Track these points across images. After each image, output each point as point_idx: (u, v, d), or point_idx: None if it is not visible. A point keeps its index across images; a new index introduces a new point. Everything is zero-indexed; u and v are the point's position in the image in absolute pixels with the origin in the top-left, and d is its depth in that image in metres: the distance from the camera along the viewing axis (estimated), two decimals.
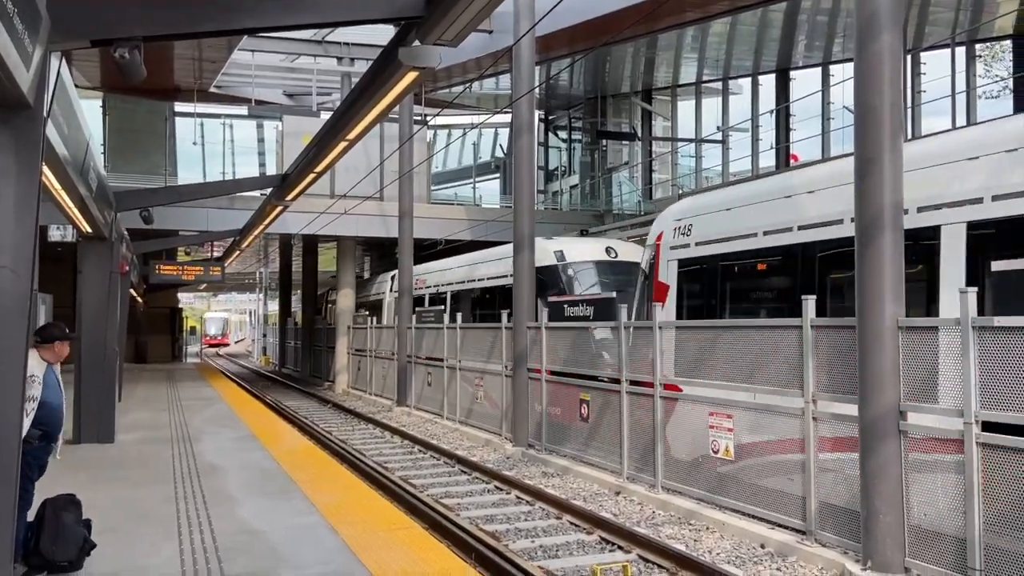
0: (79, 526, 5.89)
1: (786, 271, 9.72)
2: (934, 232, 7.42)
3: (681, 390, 9.73)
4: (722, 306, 10.36)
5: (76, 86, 9.94)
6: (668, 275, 11.70)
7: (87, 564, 5.84)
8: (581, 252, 17.26)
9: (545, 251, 16.84)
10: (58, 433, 6.13)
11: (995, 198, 6.88)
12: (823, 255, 8.91)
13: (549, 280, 16.61)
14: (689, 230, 11.51)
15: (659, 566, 7.47)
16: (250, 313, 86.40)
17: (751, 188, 11.49)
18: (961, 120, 21.02)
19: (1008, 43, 22.06)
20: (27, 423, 5.68)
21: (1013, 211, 6.67)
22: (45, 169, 7.67)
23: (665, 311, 10.75)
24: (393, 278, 25.33)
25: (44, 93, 4.99)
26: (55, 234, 22.93)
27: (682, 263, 11.47)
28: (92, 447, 11.38)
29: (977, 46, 22.07)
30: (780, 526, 8.04)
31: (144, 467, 9.97)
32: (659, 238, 12.01)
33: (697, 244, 11.16)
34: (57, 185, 8.39)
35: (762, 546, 7.91)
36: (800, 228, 9.27)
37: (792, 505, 7.94)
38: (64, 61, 6.67)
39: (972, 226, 7.08)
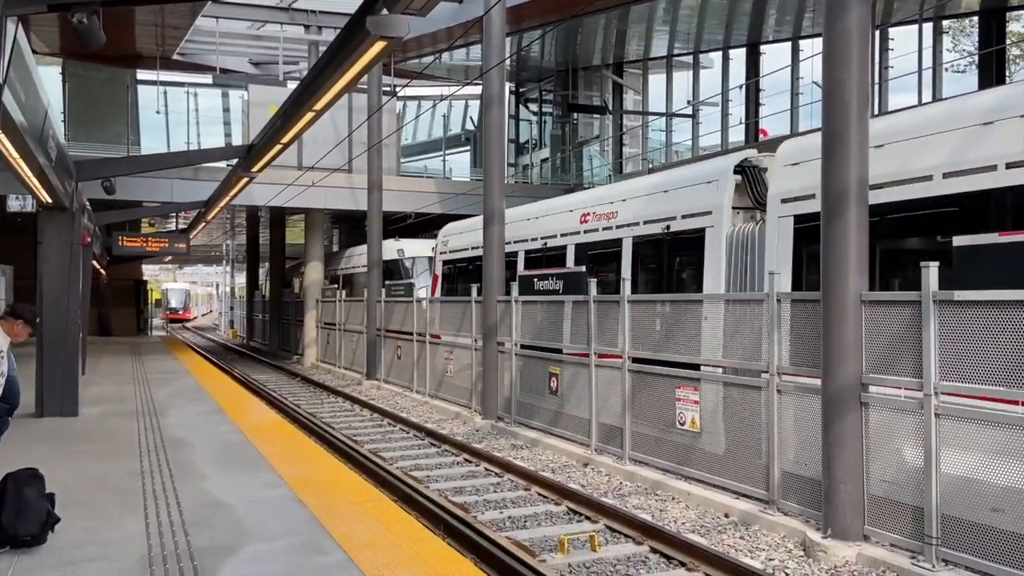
0: (42, 500, 5.81)
1: (479, 271, 15.20)
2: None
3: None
4: (455, 290, 16.04)
5: (34, 52, 9.68)
6: (439, 270, 19.82)
7: (51, 538, 5.78)
8: (415, 250, 23.99)
9: (390, 248, 23.88)
10: (17, 407, 6.06)
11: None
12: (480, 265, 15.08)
13: (393, 269, 23.79)
14: (447, 243, 19.28)
15: (625, 535, 7.57)
16: (216, 285, 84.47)
17: (468, 222, 18.48)
18: (927, 96, 21.25)
19: (975, 19, 22.29)
20: None
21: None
22: (2, 137, 7.48)
23: (436, 293, 18.83)
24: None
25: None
26: (14, 204, 22.41)
27: (444, 263, 19.38)
28: (55, 421, 11.22)
29: (944, 22, 22.27)
30: (744, 496, 8.19)
31: (109, 441, 9.86)
32: (435, 247, 19.98)
33: (451, 252, 18.14)
34: (15, 154, 8.19)
35: (726, 515, 8.06)
36: (474, 248, 17.04)
37: (756, 475, 8.08)
38: (20, 26, 6.48)
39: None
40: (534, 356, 12.61)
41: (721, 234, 10.67)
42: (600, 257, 13.23)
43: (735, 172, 10.92)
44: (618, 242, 12.75)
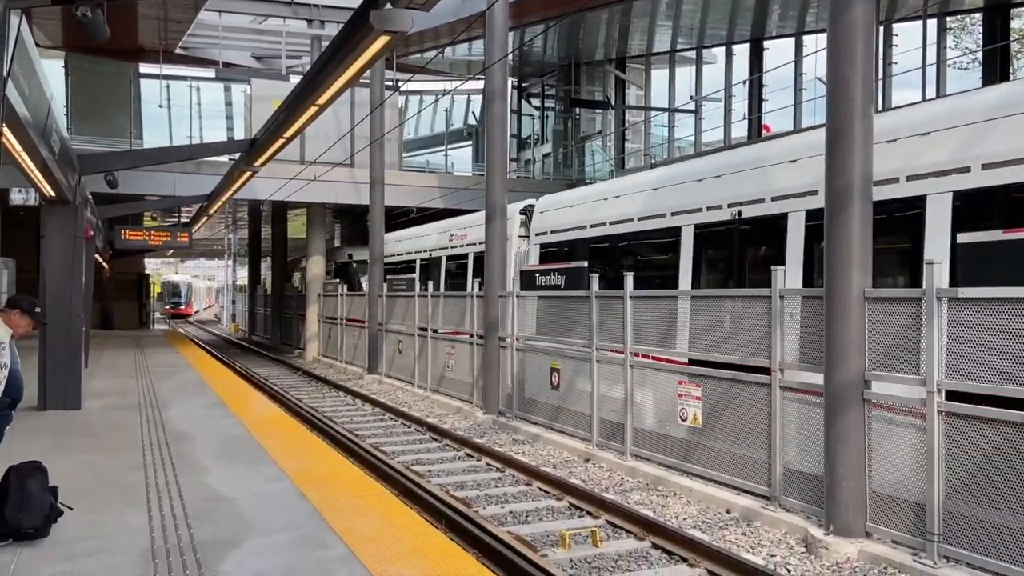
0: (45, 493, 5.82)
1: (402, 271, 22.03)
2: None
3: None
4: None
5: (37, 45, 9.67)
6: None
7: (53, 531, 5.80)
8: (362, 255, 26.53)
9: (343, 253, 29.96)
10: (20, 401, 6.04)
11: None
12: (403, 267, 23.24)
13: (347, 271, 28.57)
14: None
15: (627, 531, 7.58)
16: (212, 278, 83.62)
17: (399, 233, 24.36)
18: (931, 93, 21.20)
19: (978, 16, 22.23)
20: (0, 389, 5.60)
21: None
22: (5, 130, 7.47)
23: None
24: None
25: (3, 52, 4.85)
26: (17, 197, 22.44)
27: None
28: (58, 414, 11.25)
29: (948, 18, 22.21)
30: (746, 492, 8.19)
31: (111, 434, 9.88)
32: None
33: (386, 256, 22.87)
34: (18, 147, 8.18)
35: (728, 511, 8.06)
36: (398, 255, 23.33)
37: (758, 471, 8.08)
38: (24, 19, 6.47)
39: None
40: (535, 351, 12.63)
41: (511, 253, 15.83)
42: (458, 265, 19.41)
43: (520, 213, 16.30)
44: (466, 255, 18.71)
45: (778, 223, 9.33)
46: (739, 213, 9.86)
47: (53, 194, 11.33)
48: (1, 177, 19.06)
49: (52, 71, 27.79)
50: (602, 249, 12.65)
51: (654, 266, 11.88)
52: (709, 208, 10.43)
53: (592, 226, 13.20)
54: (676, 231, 10.93)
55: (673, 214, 10.95)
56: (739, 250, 10.15)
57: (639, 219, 11.84)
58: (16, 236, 24.35)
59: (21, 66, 6.66)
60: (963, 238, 6.31)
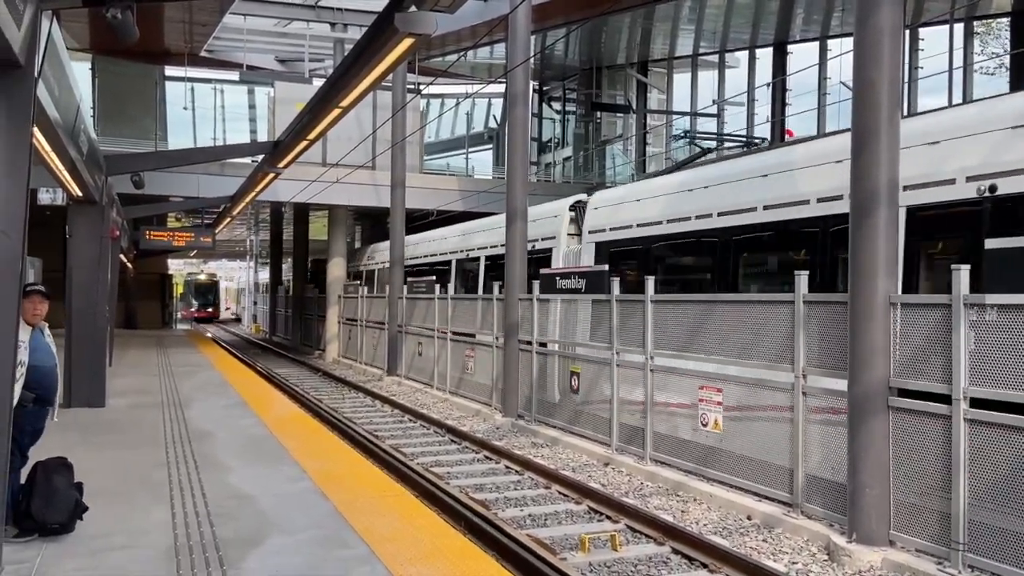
0: (71, 489, 5.89)
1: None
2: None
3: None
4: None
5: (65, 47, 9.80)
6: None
7: (78, 527, 5.86)
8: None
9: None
10: (53, 396, 6.09)
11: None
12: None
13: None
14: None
15: (646, 536, 7.54)
16: (234, 279, 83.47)
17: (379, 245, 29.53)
18: (957, 97, 20.98)
19: (1005, 20, 21.98)
20: (18, 388, 5.64)
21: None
22: (35, 131, 7.57)
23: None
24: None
25: (35, 53, 4.92)
26: (44, 197, 22.73)
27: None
28: (83, 411, 11.37)
29: (975, 23, 21.97)
30: (767, 498, 8.13)
31: (135, 431, 9.99)
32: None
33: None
34: (47, 147, 8.28)
35: (749, 517, 8.01)
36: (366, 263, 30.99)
37: (779, 478, 8.02)
38: (55, 21, 6.56)
39: None
40: (554, 354, 12.65)
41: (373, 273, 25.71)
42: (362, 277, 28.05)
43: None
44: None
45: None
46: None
47: (80, 194, 11.46)
48: (30, 177, 19.29)
49: (80, 73, 28.10)
50: (420, 271, 21.97)
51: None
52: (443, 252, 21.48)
53: (418, 257, 23.65)
54: (448, 263, 20.98)
55: (442, 253, 21.85)
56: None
57: (444, 253, 21.75)
58: (43, 236, 24.54)
59: (51, 68, 6.75)
60: (991, 244, 6.24)
